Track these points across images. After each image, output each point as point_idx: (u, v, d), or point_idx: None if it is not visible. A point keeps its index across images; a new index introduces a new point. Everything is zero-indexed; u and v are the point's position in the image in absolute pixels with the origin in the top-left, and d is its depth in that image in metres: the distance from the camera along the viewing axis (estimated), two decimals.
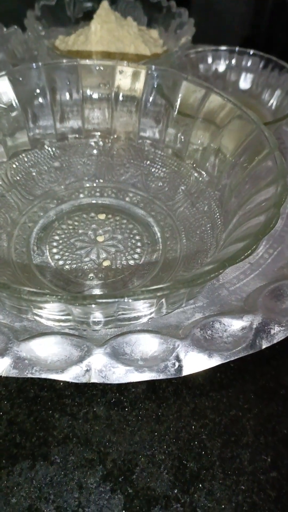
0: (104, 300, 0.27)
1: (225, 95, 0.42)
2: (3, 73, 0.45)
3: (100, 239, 0.45)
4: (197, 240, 0.44)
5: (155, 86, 0.47)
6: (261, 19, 1.05)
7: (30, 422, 0.35)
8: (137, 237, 0.46)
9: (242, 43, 0.66)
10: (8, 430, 0.34)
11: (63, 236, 0.45)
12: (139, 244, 0.45)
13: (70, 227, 0.46)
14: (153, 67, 0.45)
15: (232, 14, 1.02)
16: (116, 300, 0.27)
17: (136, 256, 0.44)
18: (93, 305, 0.27)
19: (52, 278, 0.41)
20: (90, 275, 0.42)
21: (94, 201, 0.49)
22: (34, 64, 0.46)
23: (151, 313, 0.34)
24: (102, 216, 0.47)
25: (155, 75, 0.46)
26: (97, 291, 0.41)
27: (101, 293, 0.39)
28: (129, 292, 0.27)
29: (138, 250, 0.45)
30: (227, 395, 0.37)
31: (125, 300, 0.27)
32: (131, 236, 0.46)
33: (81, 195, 0.49)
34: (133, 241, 0.45)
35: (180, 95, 0.45)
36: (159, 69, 0.46)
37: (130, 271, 0.42)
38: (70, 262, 0.43)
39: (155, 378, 0.34)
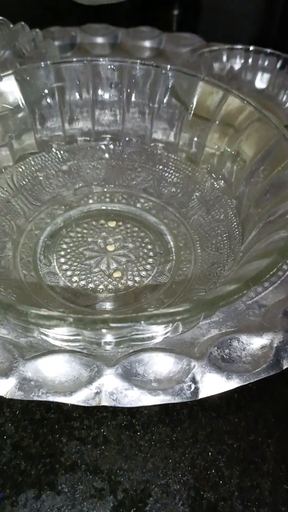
0: (118, 325, 0.24)
1: (245, 97, 0.39)
2: (9, 72, 0.43)
3: (110, 248, 0.43)
4: (213, 251, 0.41)
5: (170, 87, 0.44)
6: (271, 19, 1.02)
7: (36, 447, 0.33)
8: (149, 246, 0.44)
9: (252, 43, 0.63)
10: (13, 456, 0.32)
11: (71, 244, 0.43)
12: (151, 253, 0.43)
13: (79, 235, 0.44)
14: (168, 66, 0.43)
15: (242, 13, 0.99)
16: (132, 324, 0.24)
17: (148, 266, 0.42)
18: (106, 330, 0.25)
19: (60, 290, 0.39)
20: (100, 287, 0.40)
21: (104, 207, 0.47)
22: (42, 63, 0.44)
23: (166, 333, 0.32)
24: (112, 224, 0.45)
25: (170, 75, 0.44)
26: (107, 305, 0.39)
27: (113, 310, 0.36)
28: (145, 316, 0.25)
29: (150, 260, 0.42)
30: (245, 418, 0.35)
31: (141, 324, 0.25)
32: (143, 245, 0.44)
33: (91, 201, 0.47)
34: (145, 251, 0.43)
35: (195, 97, 0.43)
36: (174, 69, 0.43)
37: (141, 283, 0.40)
38: (78, 272, 0.41)
39: (170, 402, 0.32)
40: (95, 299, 0.39)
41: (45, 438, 0.33)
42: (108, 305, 0.39)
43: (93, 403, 0.32)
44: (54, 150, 0.48)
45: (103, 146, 0.49)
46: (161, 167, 0.48)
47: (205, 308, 0.25)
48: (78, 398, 0.32)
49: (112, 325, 0.24)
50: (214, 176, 0.44)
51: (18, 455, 0.32)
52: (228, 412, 0.35)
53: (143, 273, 0.41)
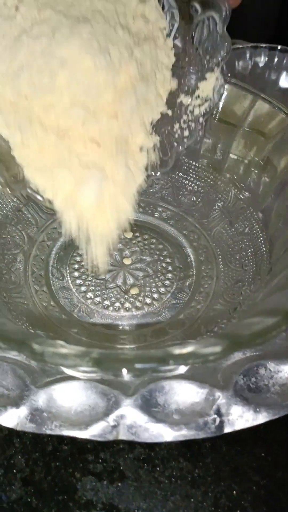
0: (144, 366, 0.22)
1: (276, 103, 0.36)
2: None
3: (126, 261, 0.40)
4: (237, 267, 0.39)
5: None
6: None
7: (48, 482, 0.30)
8: (168, 260, 0.41)
9: (269, 41, 0.60)
10: (23, 492, 0.30)
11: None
12: (170, 268, 0.40)
13: None
14: (192, 67, 0.40)
15: (258, 11, 0.95)
16: (159, 366, 0.22)
17: (167, 282, 0.39)
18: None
19: (73, 308, 0.37)
20: (116, 304, 0.37)
21: None
22: None
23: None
24: (128, 234, 0.42)
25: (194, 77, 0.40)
26: (124, 323, 0.36)
27: (132, 332, 0.34)
28: (175, 355, 0.22)
29: (169, 275, 0.40)
30: (272, 453, 0.32)
31: (170, 364, 0.22)
32: (161, 258, 0.41)
33: None
34: (163, 264, 0.41)
35: (221, 101, 0.40)
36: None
37: (160, 301, 0.38)
38: (93, 288, 0.38)
39: (193, 438, 0.30)
40: (112, 318, 0.36)
41: (58, 472, 0.31)
42: (125, 325, 0.36)
43: (110, 437, 0.29)
44: None
45: None
46: (180, 174, 0.45)
47: (241, 346, 0.23)
48: (94, 432, 0.29)
49: (137, 366, 0.22)
50: (238, 185, 0.41)
51: (29, 492, 0.30)
52: (254, 446, 0.32)
53: (162, 289, 0.39)
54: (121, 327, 0.36)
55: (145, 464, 0.31)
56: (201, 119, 0.38)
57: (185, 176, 0.45)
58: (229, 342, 0.22)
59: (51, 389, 0.31)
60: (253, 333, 0.23)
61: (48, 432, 0.29)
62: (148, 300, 0.38)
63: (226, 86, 0.39)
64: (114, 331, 0.36)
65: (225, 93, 0.40)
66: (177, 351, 0.23)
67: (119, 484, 0.30)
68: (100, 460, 0.31)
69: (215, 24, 0.37)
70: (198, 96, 0.37)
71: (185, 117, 0.38)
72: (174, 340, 0.34)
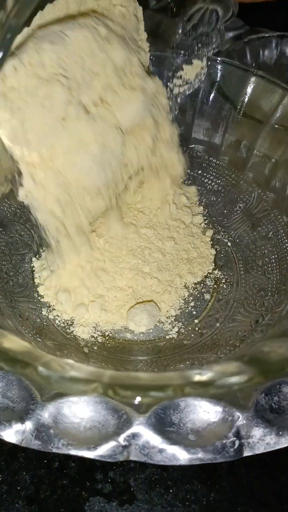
0: (159, 395, 0.20)
1: None
2: None
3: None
4: (259, 274, 0.36)
5: (217, 81, 0.38)
6: None
7: (53, 502, 0.28)
8: None
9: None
10: (27, 511, 0.28)
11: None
12: None
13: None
14: (218, 58, 0.37)
15: None
16: (177, 395, 0.19)
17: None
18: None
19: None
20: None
21: None
22: None
23: None
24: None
25: (218, 68, 0.38)
26: (138, 337, 0.34)
27: (150, 361, 0.32)
28: (194, 383, 0.20)
29: None
30: None
31: (189, 394, 0.20)
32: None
33: None
34: None
35: (247, 95, 0.37)
36: (223, 61, 0.37)
37: (176, 312, 0.35)
38: None
39: (210, 462, 0.28)
40: (129, 331, 0.34)
41: (64, 491, 0.29)
42: (139, 333, 0.34)
43: (121, 458, 0.28)
44: None
45: None
46: (200, 171, 0.42)
47: (270, 376, 0.20)
48: (103, 452, 0.27)
49: (153, 394, 0.20)
50: (262, 186, 0.38)
51: (32, 511, 0.28)
52: (274, 469, 0.30)
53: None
54: (136, 337, 0.34)
55: (157, 486, 0.29)
56: (178, 99, 0.38)
57: (204, 174, 0.42)
58: (256, 370, 0.20)
59: (58, 403, 0.29)
60: (282, 360, 0.21)
61: (55, 450, 0.27)
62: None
63: (252, 79, 0.37)
64: (127, 340, 0.33)
65: (251, 86, 0.37)
66: (197, 377, 0.20)
67: (130, 506, 0.28)
68: (109, 480, 0.29)
69: (216, 18, 0.37)
70: (181, 77, 0.38)
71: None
72: (191, 353, 0.32)
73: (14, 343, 0.22)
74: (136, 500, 0.29)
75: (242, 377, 0.20)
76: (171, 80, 0.38)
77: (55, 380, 0.20)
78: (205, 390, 0.20)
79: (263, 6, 0.63)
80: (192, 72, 0.38)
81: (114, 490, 0.29)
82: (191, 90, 0.39)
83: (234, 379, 0.20)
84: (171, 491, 0.29)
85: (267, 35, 0.49)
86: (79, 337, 0.33)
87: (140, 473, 0.30)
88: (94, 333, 0.33)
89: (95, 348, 0.32)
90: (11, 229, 0.37)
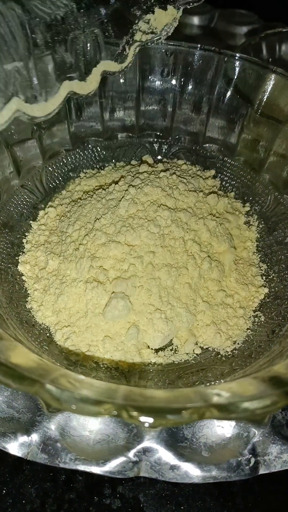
0: (176, 419, 0.18)
1: None
2: None
3: None
4: (275, 280, 0.34)
5: (234, 78, 0.37)
6: None
7: None
8: None
9: None
10: None
11: None
12: None
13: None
14: (237, 55, 0.35)
15: None
16: (195, 419, 0.18)
17: None
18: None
19: None
20: None
21: None
22: None
23: None
24: None
25: (236, 64, 0.36)
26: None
27: (162, 371, 0.30)
28: (214, 406, 0.18)
29: None
30: None
31: (208, 418, 0.18)
32: None
33: None
34: None
35: (265, 93, 0.35)
36: (241, 57, 0.36)
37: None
38: None
39: (224, 480, 0.26)
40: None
41: (71, 506, 0.28)
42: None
43: (131, 474, 0.26)
44: (90, 147, 0.41)
45: (147, 144, 0.42)
46: (214, 172, 0.41)
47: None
48: (113, 468, 0.26)
49: (170, 417, 0.18)
50: (279, 189, 0.37)
51: None
52: None
53: None
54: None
55: (168, 502, 0.28)
56: (137, 48, 0.34)
57: (218, 174, 0.41)
58: (280, 393, 0.19)
59: (66, 415, 0.28)
60: None
61: (62, 465, 0.26)
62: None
63: (271, 77, 0.35)
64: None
65: (270, 84, 0.35)
66: (215, 398, 0.19)
67: None
68: (118, 495, 0.28)
69: None
70: (148, 22, 0.33)
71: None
72: (204, 364, 0.30)
73: (22, 357, 0.20)
74: None
75: (265, 400, 0.18)
76: (136, 22, 0.33)
77: (65, 400, 0.18)
78: (224, 415, 0.18)
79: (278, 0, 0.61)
80: (162, 20, 0.34)
81: (123, 505, 0.28)
82: (153, 42, 0.35)
83: (255, 404, 0.18)
84: (182, 508, 0.28)
85: (284, 30, 0.48)
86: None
87: (150, 489, 0.28)
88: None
89: (105, 356, 0.31)
90: (17, 230, 0.36)
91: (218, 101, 0.38)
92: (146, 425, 0.18)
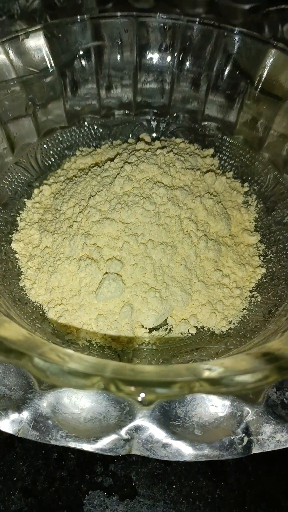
0: (167, 392, 0.18)
1: None
2: (38, 27, 0.35)
3: None
4: (272, 261, 0.34)
5: (233, 54, 0.36)
6: None
7: (51, 495, 0.27)
8: None
9: None
10: (23, 504, 0.27)
11: None
12: None
13: None
14: (235, 29, 0.34)
15: None
16: (186, 392, 0.18)
17: None
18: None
19: None
20: None
21: None
22: (78, 17, 0.36)
23: None
24: None
25: (235, 39, 0.35)
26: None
27: (155, 350, 0.30)
28: (205, 381, 0.18)
29: None
30: None
31: (197, 391, 0.18)
32: None
33: None
34: None
35: (266, 69, 0.34)
36: (241, 32, 0.35)
37: None
38: None
39: (216, 459, 0.26)
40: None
41: (62, 483, 0.28)
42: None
43: (122, 452, 0.26)
44: (87, 124, 0.40)
45: (144, 122, 0.41)
46: (212, 150, 0.40)
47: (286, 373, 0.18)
48: (104, 446, 0.26)
49: (158, 391, 0.18)
50: (279, 168, 0.36)
51: (29, 503, 0.27)
52: (285, 467, 0.29)
53: None
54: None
55: (160, 481, 0.28)
56: None
57: (217, 153, 0.40)
58: (271, 368, 0.18)
59: (57, 392, 0.28)
60: None
61: (53, 442, 0.26)
62: None
63: (272, 52, 0.34)
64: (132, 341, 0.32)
65: (271, 60, 0.34)
66: (207, 373, 0.19)
67: (131, 501, 0.27)
68: (109, 473, 0.28)
69: None
70: None
71: None
72: (199, 343, 0.30)
73: (10, 331, 0.20)
74: (137, 495, 0.27)
75: (256, 375, 0.18)
76: None
77: (52, 372, 0.18)
78: (215, 388, 0.18)
79: None
80: None
81: (114, 484, 0.28)
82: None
83: (247, 377, 0.18)
84: (174, 486, 0.28)
85: (286, 7, 0.46)
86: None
87: (142, 467, 0.28)
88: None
89: (93, 327, 0.30)
90: (11, 208, 0.35)
91: (217, 77, 0.37)
92: (138, 399, 0.18)
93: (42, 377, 0.18)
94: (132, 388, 0.18)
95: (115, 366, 0.19)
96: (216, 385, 0.18)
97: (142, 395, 0.18)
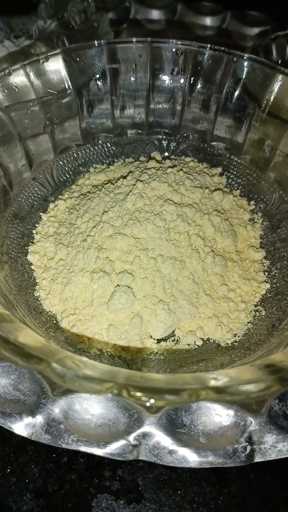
0: (174, 399, 0.19)
1: None
2: (57, 51, 0.37)
3: None
4: (277, 276, 0.35)
5: (242, 78, 0.37)
6: None
7: (61, 496, 0.28)
8: None
9: None
10: (34, 505, 0.28)
11: None
12: None
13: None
14: (245, 55, 0.36)
15: None
16: (193, 400, 0.19)
17: None
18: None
19: None
20: None
21: None
22: (96, 42, 0.38)
23: None
24: None
25: (245, 64, 0.37)
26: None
27: (164, 360, 0.31)
28: (212, 388, 0.19)
29: None
30: None
31: (204, 399, 0.19)
32: None
33: None
34: None
35: (272, 93, 0.36)
36: (250, 58, 0.36)
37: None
38: None
39: (220, 466, 0.27)
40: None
41: (72, 486, 0.29)
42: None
43: (130, 457, 0.27)
44: (101, 143, 0.42)
45: (155, 141, 0.43)
46: (220, 169, 0.42)
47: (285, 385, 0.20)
48: (113, 451, 0.27)
49: (167, 397, 0.19)
50: (284, 187, 0.37)
51: (40, 504, 0.28)
52: (286, 475, 0.30)
53: None
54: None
55: (166, 486, 0.29)
56: None
57: (225, 172, 0.42)
58: (274, 379, 0.20)
59: (69, 398, 0.29)
60: None
61: (64, 446, 0.27)
62: None
63: (279, 77, 0.36)
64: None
65: (278, 85, 0.36)
66: (212, 382, 0.20)
67: (137, 505, 0.28)
68: (117, 478, 0.29)
69: None
70: None
71: None
72: (205, 354, 0.31)
73: (29, 338, 0.22)
74: (143, 500, 0.28)
75: (259, 385, 0.19)
76: None
77: (69, 378, 0.19)
78: (220, 397, 0.19)
79: None
80: None
81: (122, 488, 0.29)
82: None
83: (251, 387, 0.19)
84: (179, 492, 0.29)
85: None
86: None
87: (149, 473, 0.29)
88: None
89: (109, 344, 0.32)
90: (28, 221, 0.37)
91: (226, 100, 0.39)
92: (148, 404, 0.19)
93: (59, 382, 0.19)
94: (143, 394, 0.19)
95: (126, 373, 0.21)
96: (221, 393, 0.19)
97: (152, 401, 0.19)
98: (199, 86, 0.39)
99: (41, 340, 0.22)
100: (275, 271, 0.36)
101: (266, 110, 0.37)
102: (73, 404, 0.29)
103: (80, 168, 0.41)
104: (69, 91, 0.39)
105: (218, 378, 0.20)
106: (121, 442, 0.27)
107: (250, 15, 0.61)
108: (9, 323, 0.24)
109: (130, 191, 0.35)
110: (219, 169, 0.41)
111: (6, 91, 0.35)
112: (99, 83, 0.40)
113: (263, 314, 0.33)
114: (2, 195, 0.35)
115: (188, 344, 0.32)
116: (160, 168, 0.38)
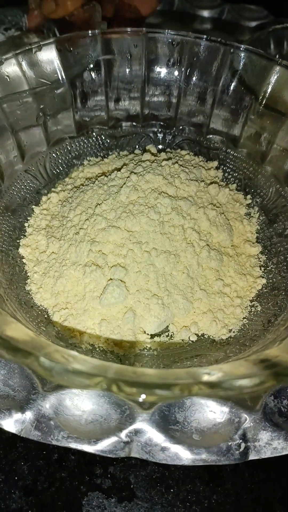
0: (166, 393, 0.19)
1: None
2: (50, 41, 0.36)
3: None
4: (273, 272, 0.35)
5: (239, 70, 0.37)
6: None
7: (50, 494, 0.28)
8: None
9: None
10: (23, 502, 0.27)
11: None
12: None
13: None
14: (241, 46, 0.36)
15: None
16: (185, 395, 0.18)
17: None
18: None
19: None
20: None
21: None
22: (90, 32, 0.37)
23: None
24: None
25: (241, 56, 0.36)
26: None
27: (157, 356, 0.31)
28: (204, 384, 0.19)
29: None
30: None
31: (196, 394, 0.19)
32: None
33: None
34: None
35: (270, 85, 0.36)
36: (247, 49, 0.36)
37: None
38: None
39: (214, 463, 0.27)
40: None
41: (62, 484, 0.28)
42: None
43: (122, 454, 0.27)
44: (95, 135, 0.42)
45: (151, 134, 0.42)
46: (216, 163, 0.41)
47: (284, 380, 0.19)
48: (104, 447, 0.27)
49: (159, 392, 0.19)
50: (281, 181, 0.37)
51: (29, 502, 0.27)
52: (281, 474, 0.29)
53: None
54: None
55: (158, 484, 0.28)
56: None
57: (221, 165, 0.41)
58: (268, 374, 0.19)
59: (60, 394, 0.28)
60: None
61: (54, 443, 0.27)
62: None
63: (276, 69, 0.35)
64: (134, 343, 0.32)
65: (275, 77, 0.35)
66: (206, 377, 0.19)
67: (129, 503, 0.28)
68: (108, 475, 0.29)
69: None
70: None
71: None
72: (199, 350, 0.31)
73: (17, 331, 0.21)
74: (135, 498, 0.28)
75: (253, 380, 0.19)
76: None
77: (57, 372, 0.19)
78: (213, 391, 0.19)
79: None
80: None
81: (113, 486, 0.28)
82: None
83: (245, 382, 0.19)
84: (172, 490, 0.28)
85: None
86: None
87: (141, 470, 0.29)
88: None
89: (101, 339, 0.31)
90: (19, 214, 0.36)
91: (223, 92, 0.38)
92: (140, 400, 0.19)
93: (47, 376, 0.19)
94: (134, 389, 0.18)
95: (117, 368, 0.20)
96: (214, 388, 0.19)
97: (143, 396, 0.19)
98: (195, 78, 0.39)
99: (30, 334, 0.22)
100: (271, 266, 0.35)
101: (263, 103, 0.36)
102: (64, 400, 0.28)
103: (73, 160, 0.41)
104: (63, 82, 0.38)
105: (211, 373, 0.20)
106: (113, 439, 0.27)
107: (248, 8, 0.60)
108: None
109: (124, 184, 0.34)
110: (215, 163, 0.41)
111: None
112: (93, 74, 0.40)
113: (259, 309, 0.32)
114: None
115: (182, 340, 0.31)
116: (155, 161, 0.37)
